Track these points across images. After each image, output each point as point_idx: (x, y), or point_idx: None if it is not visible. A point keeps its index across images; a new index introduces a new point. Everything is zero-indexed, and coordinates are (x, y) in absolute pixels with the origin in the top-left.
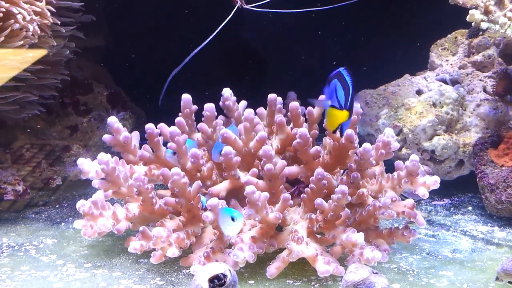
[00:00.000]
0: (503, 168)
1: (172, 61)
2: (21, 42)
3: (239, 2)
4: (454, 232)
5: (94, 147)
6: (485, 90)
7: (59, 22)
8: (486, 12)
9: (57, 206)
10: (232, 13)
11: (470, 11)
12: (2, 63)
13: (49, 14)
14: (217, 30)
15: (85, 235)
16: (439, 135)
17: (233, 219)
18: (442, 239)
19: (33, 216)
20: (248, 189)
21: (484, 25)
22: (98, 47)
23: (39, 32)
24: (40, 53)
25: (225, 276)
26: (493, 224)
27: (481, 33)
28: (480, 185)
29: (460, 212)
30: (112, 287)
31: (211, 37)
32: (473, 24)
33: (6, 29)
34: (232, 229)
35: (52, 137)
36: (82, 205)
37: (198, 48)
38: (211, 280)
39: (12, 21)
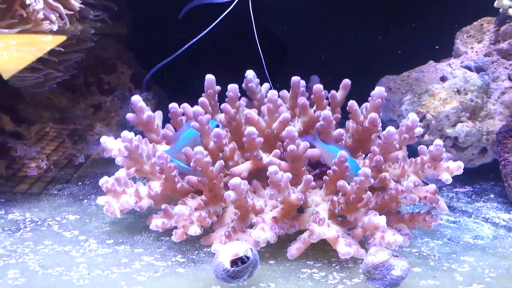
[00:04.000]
0: None
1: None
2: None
3: None
4: (476, 219)
5: (117, 126)
6: (510, 78)
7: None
8: None
9: (80, 183)
10: (235, 3)
11: None
12: (25, 47)
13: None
14: (220, 18)
15: (107, 211)
16: (462, 122)
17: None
18: (464, 226)
19: (56, 192)
20: (271, 169)
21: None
22: (120, 34)
23: (62, 20)
24: (62, 38)
25: (247, 257)
26: None
27: (508, 20)
28: (503, 173)
29: (482, 199)
30: (134, 263)
31: (213, 24)
32: (500, 10)
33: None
34: None
35: (75, 115)
36: (105, 181)
37: (201, 35)
38: (233, 260)
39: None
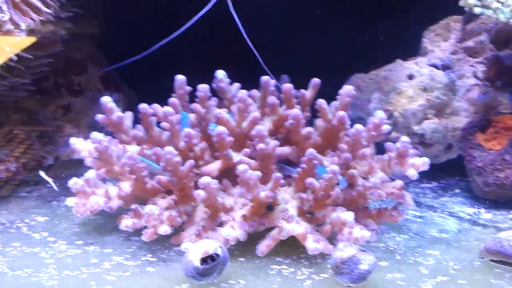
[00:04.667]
0: (491, 151)
1: (164, 46)
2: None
3: None
4: (442, 213)
5: (87, 128)
6: (475, 76)
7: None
8: None
9: (49, 185)
10: (211, 4)
11: None
12: None
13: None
14: (195, 18)
15: (77, 213)
16: (429, 119)
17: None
18: (430, 220)
19: (25, 194)
20: (241, 168)
21: (477, 10)
22: (93, 34)
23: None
24: (31, 40)
25: (217, 254)
26: (480, 206)
27: (474, 19)
28: (468, 168)
29: (448, 194)
30: (104, 263)
31: (187, 24)
32: (466, 9)
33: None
34: None
35: (45, 117)
36: (74, 183)
37: (171, 36)
38: (203, 258)
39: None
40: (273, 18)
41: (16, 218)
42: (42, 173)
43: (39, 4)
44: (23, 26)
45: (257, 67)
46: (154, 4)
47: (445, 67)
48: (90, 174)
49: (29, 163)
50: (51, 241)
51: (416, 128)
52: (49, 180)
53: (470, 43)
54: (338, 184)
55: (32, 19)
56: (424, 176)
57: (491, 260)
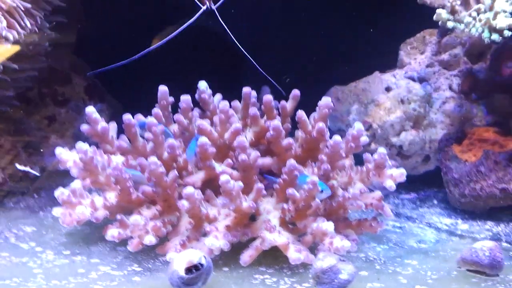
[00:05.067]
0: (467, 163)
1: (148, 55)
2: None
3: (207, 4)
4: (420, 224)
5: (72, 138)
6: (451, 88)
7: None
8: (453, 11)
9: (36, 195)
10: (198, 14)
11: (437, 11)
12: None
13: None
14: (180, 29)
15: (63, 223)
16: (406, 131)
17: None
18: (408, 231)
19: (12, 205)
20: (223, 178)
21: (450, 24)
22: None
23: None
24: (14, 49)
25: (201, 264)
26: (457, 217)
27: (449, 33)
28: (445, 180)
29: (426, 205)
30: (91, 273)
31: (172, 35)
32: (440, 23)
33: None
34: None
35: (30, 127)
36: (61, 193)
37: (157, 44)
38: (187, 268)
39: None
40: (255, 30)
41: (3, 228)
42: (18, 166)
43: (24, 15)
44: (11, 37)
45: (240, 77)
46: (138, 13)
47: (422, 80)
48: (76, 184)
49: (15, 173)
50: (39, 251)
51: (394, 139)
52: (27, 169)
53: (445, 56)
54: (322, 191)
55: (17, 31)
56: (403, 187)
57: (468, 270)
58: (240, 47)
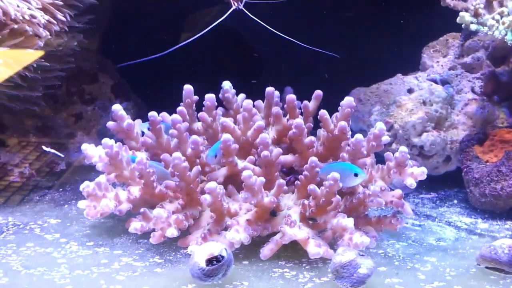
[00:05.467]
0: (488, 163)
1: (172, 56)
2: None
3: (235, 5)
4: (439, 222)
5: (97, 135)
6: (473, 91)
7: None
8: (476, 14)
9: (61, 189)
10: (227, 14)
11: (460, 13)
12: (8, 60)
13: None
14: (208, 28)
15: (88, 215)
16: (428, 132)
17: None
18: (428, 229)
19: (38, 198)
20: (245, 173)
21: (473, 27)
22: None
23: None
24: (46, 50)
25: (222, 256)
26: (477, 216)
27: (472, 36)
28: (466, 179)
29: (446, 205)
30: (113, 264)
31: (198, 35)
32: (463, 26)
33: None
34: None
35: (57, 124)
36: (86, 186)
37: (181, 44)
38: (208, 259)
39: (25, 25)
40: (279, 32)
41: (29, 220)
42: (45, 147)
43: (57, 14)
44: (44, 34)
45: (263, 78)
46: (163, 14)
47: (444, 82)
48: (101, 178)
49: (42, 168)
50: (63, 242)
51: (415, 140)
52: (53, 150)
53: (468, 59)
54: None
55: (50, 30)
56: (424, 187)
57: (486, 267)
58: (277, 32)
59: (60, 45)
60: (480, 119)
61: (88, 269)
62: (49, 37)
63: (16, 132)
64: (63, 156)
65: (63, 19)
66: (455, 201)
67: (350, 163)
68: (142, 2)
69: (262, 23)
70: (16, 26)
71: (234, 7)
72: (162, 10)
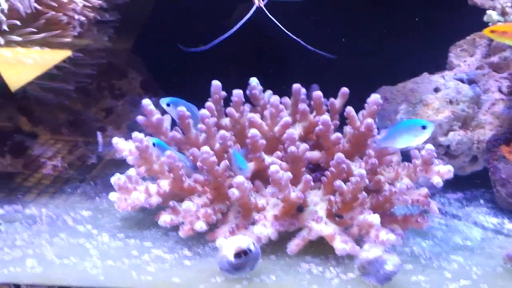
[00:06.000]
0: None
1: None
2: (67, 40)
3: (257, 2)
4: (466, 222)
5: (127, 129)
6: (500, 90)
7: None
8: (503, 13)
9: (92, 183)
10: (251, 12)
11: (487, 12)
12: (45, 53)
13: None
14: (233, 30)
15: (119, 207)
16: (454, 131)
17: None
18: (454, 228)
19: (70, 190)
20: (273, 168)
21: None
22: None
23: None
24: (81, 41)
25: (250, 250)
26: (503, 216)
27: None
28: (492, 179)
29: (472, 204)
30: (143, 255)
31: (225, 35)
32: (490, 25)
33: (53, 21)
34: None
35: (88, 118)
36: (117, 179)
37: (207, 46)
38: (236, 253)
39: (60, 14)
40: (304, 30)
41: (62, 211)
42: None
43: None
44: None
45: (288, 75)
46: (192, 12)
47: (471, 81)
48: (132, 172)
49: (73, 161)
50: (95, 234)
51: (442, 139)
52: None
53: (495, 58)
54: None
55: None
56: (450, 186)
57: None
58: (291, 35)
59: (91, 39)
60: (507, 118)
61: (119, 260)
62: (82, 28)
63: (49, 125)
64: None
65: (91, 15)
66: (482, 201)
67: (412, 119)
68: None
69: (276, 21)
70: (51, 14)
71: (256, 4)
72: (200, 10)
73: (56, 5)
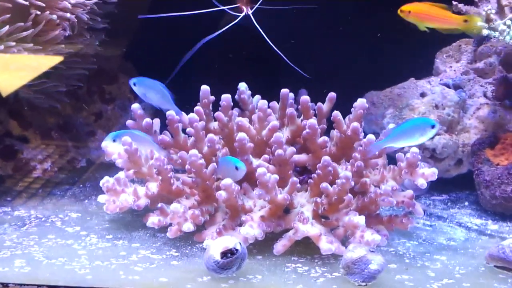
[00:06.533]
0: (498, 166)
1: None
2: (56, 33)
3: (244, 10)
4: (450, 223)
5: None
6: (485, 95)
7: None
8: (488, 20)
9: (81, 185)
10: (237, 20)
11: None
12: (36, 54)
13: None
14: (214, 34)
15: (107, 209)
16: (440, 135)
17: (236, 168)
18: (438, 229)
19: (59, 193)
20: (260, 171)
21: (485, 32)
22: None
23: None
24: (73, 46)
25: (236, 249)
26: (487, 218)
27: (484, 42)
28: (476, 182)
29: (457, 206)
30: (132, 256)
31: (207, 38)
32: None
33: (43, 20)
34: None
35: (78, 122)
36: (106, 181)
37: (193, 50)
38: (223, 253)
39: (48, 13)
40: (293, 36)
41: (51, 213)
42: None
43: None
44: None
45: (276, 80)
46: (182, 20)
47: (456, 87)
48: (120, 174)
49: (63, 165)
50: (83, 235)
51: (428, 142)
52: None
53: (480, 64)
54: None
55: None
56: (435, 189)
57: (495, 266)
58: (273, 46)
59: (83, 44)
60: (492, 123)
61: (107, 260)
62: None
63: (39, 129)
64: None
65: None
66: (466, 203)
67: (417, 118)
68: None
69: (261, 31)
70: (39, 13)
71: (244, 12)
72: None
73: (44, 5)
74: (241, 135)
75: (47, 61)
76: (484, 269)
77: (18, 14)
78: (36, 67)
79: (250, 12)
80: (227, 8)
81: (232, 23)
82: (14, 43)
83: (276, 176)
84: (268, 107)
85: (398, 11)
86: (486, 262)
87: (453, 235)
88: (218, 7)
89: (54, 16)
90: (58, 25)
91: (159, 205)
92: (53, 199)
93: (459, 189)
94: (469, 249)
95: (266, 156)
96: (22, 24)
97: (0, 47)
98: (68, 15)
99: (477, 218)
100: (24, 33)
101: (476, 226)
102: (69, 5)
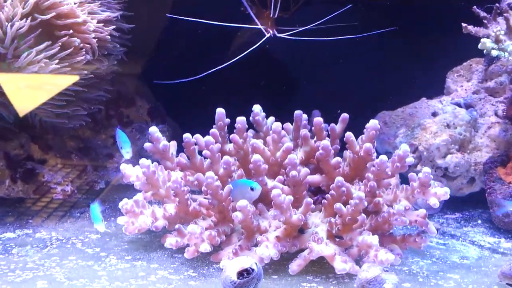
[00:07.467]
0: (510, 184)
1: (203, 81)
2: (80, 58)
3: (270, 32)
4: (463, 241)
5: (134, 156)
6: (496, 114)
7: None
8: (497, 40)
9: (101, 207)
10: (262, 41)
11: (482, 40)
12: (58, 77)
13: (105, 33)
14: (241, 55)
15: (126, 231)
16: (452, 154)
17: (252, 189)
18: (452, 247)
19: (79, 215)
20: (275, 192)
21: (494, 53)
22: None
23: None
24: (92, 68)
25: (252, 269)
26: (500, 236)
27: (495, 61)
28: (489, 200)
29: (470, 225)
30: (150, 276)
31: (232, 61)
32: (484, 52)
33: (70, 43)
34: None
35: (97, 145)
36: (125, 203)
37: (213, 70)
38: (239, 273)
39: (74, 38)
40: (308, 58)
41: (71, 235)
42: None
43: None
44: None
45: (290, 102)
46: (200, 43)
47: (468, 106)
48: (139, 196)
49: (82, 186)
50: (103, 256)
51: (440, 162)
52: None
53: (491, 83)
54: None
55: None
56: (448, 208)
57: (508, 284)
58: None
59: (101, 68)
60: (503, 141)
61: (126, 281)
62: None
63: (59, 152)
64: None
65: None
66: (479, 221)
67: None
68: (188, 33)
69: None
70: (65, 38)
71: (268, 35)
72: (200, 40)
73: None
74: (256, 157)
75: (68, 83)
76: (497, 287)
77: (44, 34)
78: (57, 89)
79: (275, 34)
80: (251, 27)
81: (257, 44)
82: (44, 64)
83: (291, 197)
84: (282, 128)
85: None
86: (499, 280)
87: (466, 254)
88: (244, 25)
89: (78, 40)
90: (81, 49)
91: (177, 226)
92: (73, 220)
93: (472, 207)
94: (482, 267)
95: (280, 177)
96: (50, 42)
97: (34, 68)
98: (92, 35)
99: (490, 236)
100: (50, 52)
101: (489, 244)
102: (91, 29)
